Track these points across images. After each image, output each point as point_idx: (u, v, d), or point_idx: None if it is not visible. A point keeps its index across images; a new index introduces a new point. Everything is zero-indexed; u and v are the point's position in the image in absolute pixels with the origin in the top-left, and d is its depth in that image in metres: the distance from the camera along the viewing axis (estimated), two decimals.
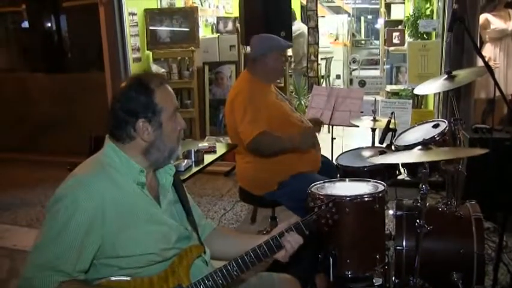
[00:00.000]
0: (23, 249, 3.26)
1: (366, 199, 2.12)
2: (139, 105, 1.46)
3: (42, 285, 1.31)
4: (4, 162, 5.79)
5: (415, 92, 2.84)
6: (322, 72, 8.41)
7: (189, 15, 5.60)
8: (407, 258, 2.37)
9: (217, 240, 1.76)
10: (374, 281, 2.33)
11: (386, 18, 8.38)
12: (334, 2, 12.28)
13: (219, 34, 6.32)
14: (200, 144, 3.19)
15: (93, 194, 1.38)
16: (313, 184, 2.28)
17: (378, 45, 10.97)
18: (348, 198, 2.10)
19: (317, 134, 2.91)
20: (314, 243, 1.69)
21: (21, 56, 6.93)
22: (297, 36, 6.73)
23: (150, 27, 5.53)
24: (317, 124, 3.22)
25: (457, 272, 2.30)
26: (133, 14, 5.38)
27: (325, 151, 3.28)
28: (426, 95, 5.37)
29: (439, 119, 3.01)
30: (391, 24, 7.79)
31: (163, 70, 5.46)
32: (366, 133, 3.62)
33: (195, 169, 2.76)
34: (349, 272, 2.17)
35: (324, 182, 2.32)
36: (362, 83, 5.20)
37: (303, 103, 6.52)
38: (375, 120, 3.22)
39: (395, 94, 6.03)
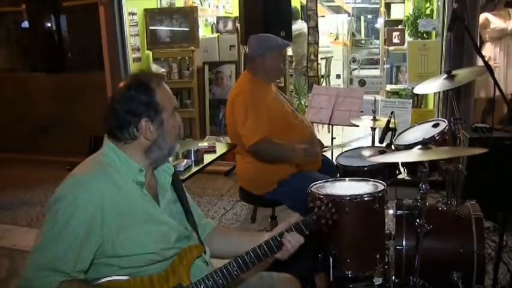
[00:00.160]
0: (22, 249, 3.27)
1: (366, 199, 2.12)
2: (141, 104, 1.46)
3: (42, 285, 1.31)
4: (4, 162, 5.79)
5: (415, 91, 2.85)
6: (322, 71, 8.41)
7: (189, 15, 5.60)
8: (407, 258, 2.37)
9: (218, 238, 1.76)
10: (374, 280, 2.33)
11: (386, 18, 8.37)
12: (334, 2, 12.28)
13: (219, 34, 6.32)
14: (200, 144, 3.19)
15: (93, 194, 1.38)
16: (313, 184, 2.28)
17: (377, 44, 10.96)
18: (347, 198, 2.10)
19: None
20: (314, 243, 1.68)
21: (21, 56, 6.92)
22: (298, 36, 6.72)
23: (150, 27, 5.54)
24: (321, 145, 3.07)
25: (457, 271, 2.30)
26: (133, 14, 5.39)
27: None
28: (426, 95, 5.37)
29: (439, 119, 3.01)
30: (391, 24, 7.78)
31: (163, 70, 5.47)
32: (365, 132, 3.62)
33: (194, 169, 2.77)
34: (349, 272, 2.17)
35: (324, 182, 2.32)
36: (362, 83, 5.22)
37: (303, 103, 6.52)
38: (374, 119, 3.22)
39: (395, 93, 6.03)
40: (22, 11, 6.73)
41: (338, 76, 9.68)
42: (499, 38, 4.75)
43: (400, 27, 6.97)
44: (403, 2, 7.89)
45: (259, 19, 4.25)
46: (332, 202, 1.67)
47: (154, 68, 5.39)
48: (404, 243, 2.40)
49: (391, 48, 6.66)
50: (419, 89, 2.78)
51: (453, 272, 2.30)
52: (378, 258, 2.18)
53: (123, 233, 1.41)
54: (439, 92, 4.35)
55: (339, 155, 2.95)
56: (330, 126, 4.26)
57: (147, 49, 5.60)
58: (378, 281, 2.35)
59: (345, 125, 4.26)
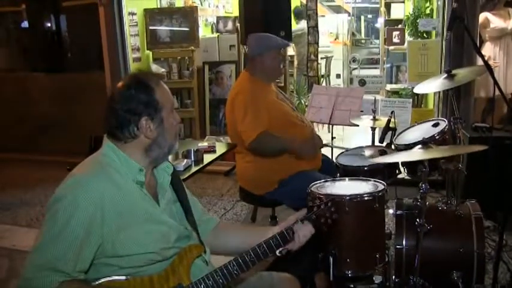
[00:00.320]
0: (22, 250, 3.27)
1: (366, 198, 2.12)
2: (141, 103, 1.47)
3: (42, 285, 1.31)
4: (4, 162, 5.79)
5: (415, 91, 2.85)
6: (322, 71, 8.40)
7: (189, 14, 5.60)
8: (407, 257, 2.37)
9: (224, 233, 1.76)
10: (374, 279, 2.33)
11: (386, 17, 8.36)
12: (334, 1, 12.27)
13: (218, 34, 6.33)
14: (200, 144, 3.19)
15: (93, 194, 1.38)
16: (313, 183, 2.28)
17: (377, 44, 10.95)
18: (347, 198, 2.10)
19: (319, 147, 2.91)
20: (314, 243, 1.68)
21: (21, 56, 6.92)
22: (301, 36, 6.71)
23: (150, 27, 5.54)
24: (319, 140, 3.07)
25: (457, 270, 2.30)
26: (133, 14, 5.39)
27: (325, 150, 3.28)
28: (426, 94, 5.37)
29: (439, 118, 3.01)
30: (391, 23, 7.78)
31: (163, 70, 5.47)
32: (365, 132, 3.62)
33: (194, 169, 2.77)
34: (349, 272, 2.16)
35: (324, 181, 2.32)
36: (362, 82, 5.21)
37: (303, 102, 6.52)
38: (374, 119, 3.22)
39: (395, 93, 6.02)
40: (22, 11, 6.73)
41: (338, 76, 9.68)
42: (499, 37, 4.75)
43: (400, 26, 6.97)
44: (403, 2, 7.88)
45: (259, 19, 4.25)
46: (331, 201, 1.67)
47: (154, 68, 5.39)
48: (404, 242, 2.40)
49: (391, 47, 6.66)
50: (419, 89, 2.78)
51: (453, 272, 2.30)
52: (378, 257, 2.18)
53: (123, 233, 1.41)
54: (439, 92, 4.35)
55: (339, 154, 2.95)
56: (330, 125, 4.26)
57: (147, 49, 5.60)
58: (377, 279, 2.35)
59: (345, 125, 4.26)
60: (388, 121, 2.96)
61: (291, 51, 7.15)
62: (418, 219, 2.16)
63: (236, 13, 5.57)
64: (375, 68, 10.58)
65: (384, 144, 2.95)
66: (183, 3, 6.23)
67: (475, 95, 4.45)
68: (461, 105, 4.08)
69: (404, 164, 2.68)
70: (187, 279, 1.49)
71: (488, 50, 4.78)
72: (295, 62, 7.49)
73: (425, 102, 5.60)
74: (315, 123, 4.36)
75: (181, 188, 1.69)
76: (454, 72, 2.60)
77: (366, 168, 2.62)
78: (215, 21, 6.60)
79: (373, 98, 3.73)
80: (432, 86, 2.72)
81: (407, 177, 2.80)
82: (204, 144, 3.22)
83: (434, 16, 5.50)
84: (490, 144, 2.35)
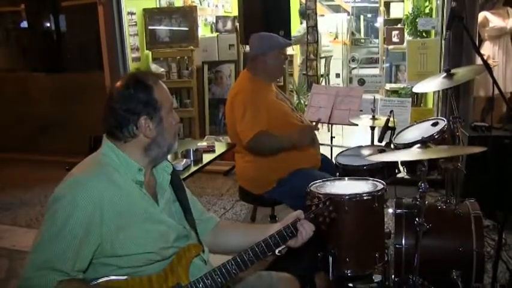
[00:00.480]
0: (22, 250, 3.27)
1: (365, 198, 2.12)
2: (140, 102, 1.47)
3: (41, 285, 1.31)
4: (4, 162, 5.79)
5: (414, 90, 2.84)
6: (322, 71, 8.40)
7: (188, 14, 5.60)
8: (406, 257, 2.37)
9: (225, 231, 1.76)
10: (373, 277, 2.33)
11: (385, 17, 8.36)
12: (333, 1, 12.26)
13: (218, 33, 6.32)
14: (199, 144, 3.19)
15: (92, 194, 1.38)
16: (312, 183, 2.28)
17: (377, 43, 10.94)
18: (347, 197, 2.10)
19: (316, 131, 2.90)
20: (313, 242, 1.68)
21: (21, 56, 6.92)
22: (305, 35, 6.70)
23: (149, 27, 5.54)
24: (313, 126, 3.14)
25: (457, 269, 2.30)
26: (132, 14, 5.39)
27: (324, 150, 3.28)
28: (425, 93, 5.37)
29: (438, 117, 3.01)
30: (391, 23, 7.77)
31: (162, 69, 5.47)
32: (365, 131, 3.62)
33: (193, 168, 2.77)
34: (349, 271, 2.17)
35: (323, 181, 2.32)
36: (361, 82, 5.19)
37: (302, 102, 6.52)
38: (374, 118, 3.22)
39: (394, 92, 6.02)
40: (21, 11, 6.73)
41: (337, 75, 9.67)
42: (498, 36, 4.76)
43: (399, 26, 6.97)
44: (403, 1, 7.88)
45: (258, 18, 4.25)
46: (329, 200, 1.67)
47: (154, 67, 5.39)
48: (403, 242, 2.40)
49: (391, 47, 6.65)
50: (418, 88, 2.78)
51: (452, 271, 2.30)
52: (378, 257, 2.18)
53: (122, 233, 1.41)
54: (438, 91, 4.35)
55: (338, 154, 2.95)
56: (330, 125, 4.26)
57: (147, 49, 5.60)
58: (377, 278, 2.35)
59: (344, 124, 4.26)
60: (387, 120, 2.97)
61: (290, 50, 7.14)
62: (417, 219, 2.16)
63: (235, 13, 5.58)
64: (374, 67, 10.56)
65: (383, 143, 2.95)
66: (183, 3, 6.23)
67: (474, 94, 4.45)
68: (460, 104, 4.08)
69: (403, 163, 2.68)
70: (186, 279, 1.49)
71: (487, 49, 4.79)
72: (298, 61, 7.49)
73: (424, 101, 5.60)
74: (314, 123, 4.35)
75: (181, 187, 1.69)
76: (453, 71, 2.60)
77: (365, 168, 2.62)
78: (214, 21, 6.60)
79: (373, 97, 3.73)
80: (431, 85, 2.72)
81: (406, 177, 2.79)
82: (203, 143, 3.22)
83: (434, 15, 5.50)
84: (489, 144, 2.35)
